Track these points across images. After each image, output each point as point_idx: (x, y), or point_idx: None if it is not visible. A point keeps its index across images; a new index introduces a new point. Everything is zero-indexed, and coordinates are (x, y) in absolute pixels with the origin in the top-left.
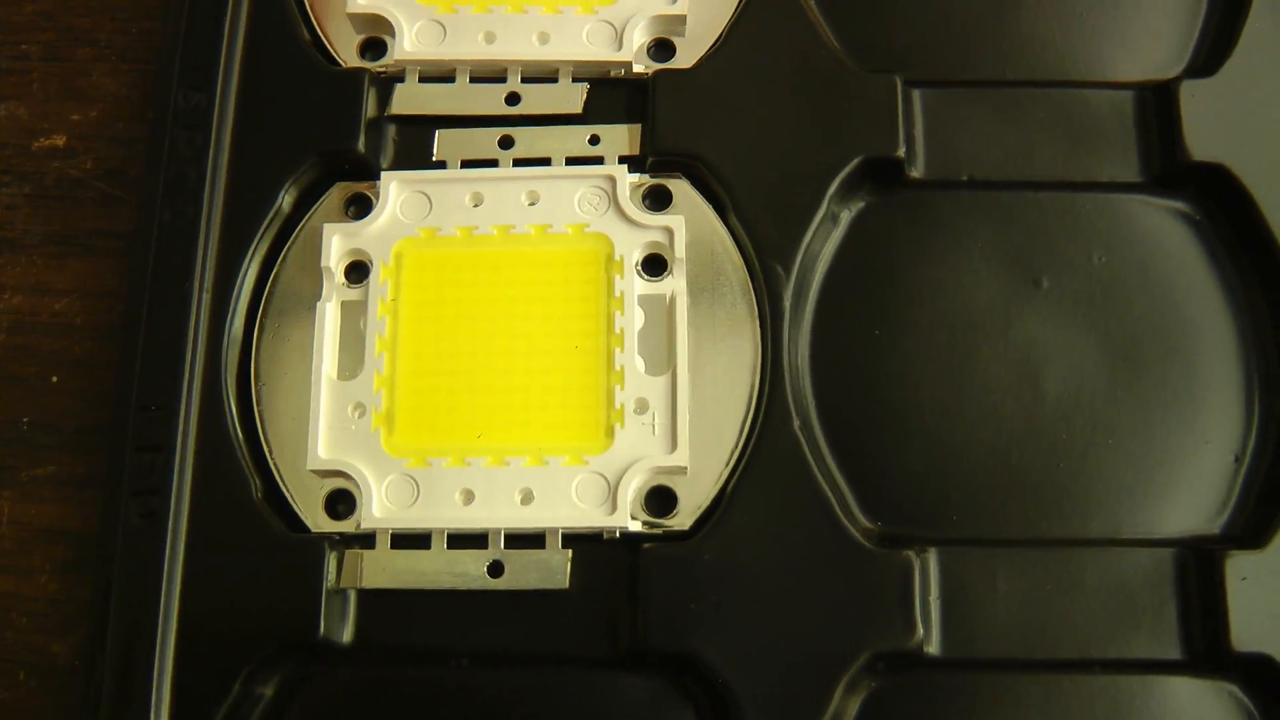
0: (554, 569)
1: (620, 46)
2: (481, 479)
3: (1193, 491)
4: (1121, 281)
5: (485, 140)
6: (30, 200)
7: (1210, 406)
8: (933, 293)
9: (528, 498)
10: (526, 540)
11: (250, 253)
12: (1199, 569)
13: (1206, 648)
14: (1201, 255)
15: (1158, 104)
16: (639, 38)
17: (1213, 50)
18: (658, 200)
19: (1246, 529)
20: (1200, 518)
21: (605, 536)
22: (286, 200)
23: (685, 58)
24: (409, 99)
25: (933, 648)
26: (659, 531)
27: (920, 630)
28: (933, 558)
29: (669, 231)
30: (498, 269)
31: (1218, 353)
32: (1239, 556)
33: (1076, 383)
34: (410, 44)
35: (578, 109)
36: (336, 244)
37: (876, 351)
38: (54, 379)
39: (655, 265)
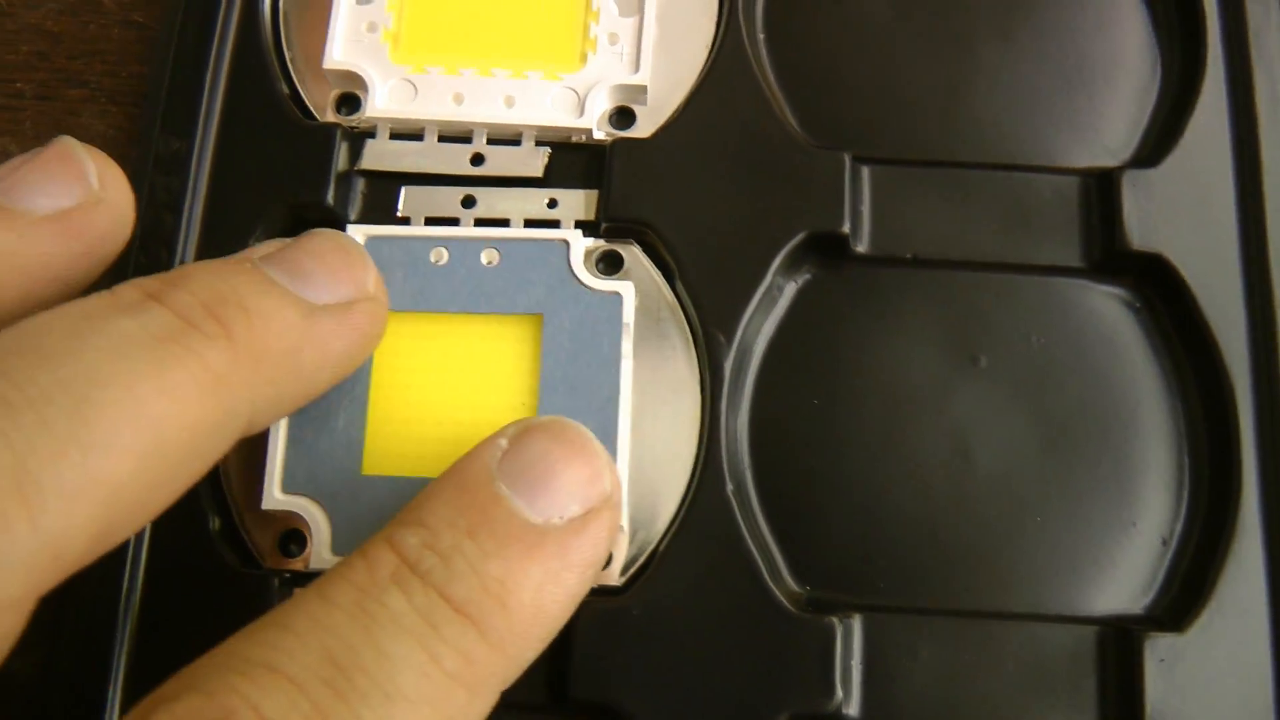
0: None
1: (582, 113)
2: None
3: (1118, 571)
4: (1058, 363)
5: (449, 199)
6: None
7: (1140, 489)
8: (872, 366)
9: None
10: None
11: None
12: (1118, 648)
13: None
14: (1139, 341)
15: (1100, 191)
16: (601, 105)
17: (1159, 142)
18: (610, 265)
19: (1169, 611)
20: (1124, 598)
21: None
22: None
23: (645, 126)
24: (379, 155)
25: (852, 710)
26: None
27: (839, 693)
28: (857, 623)
29: (619, 296)
30: None
31: (1150, 437)
32: (1159, 638)
33: (1008, 460)
34: (383, 101)
35: (538, 173)
36: None
37: (814, 421)
38: None
39: None
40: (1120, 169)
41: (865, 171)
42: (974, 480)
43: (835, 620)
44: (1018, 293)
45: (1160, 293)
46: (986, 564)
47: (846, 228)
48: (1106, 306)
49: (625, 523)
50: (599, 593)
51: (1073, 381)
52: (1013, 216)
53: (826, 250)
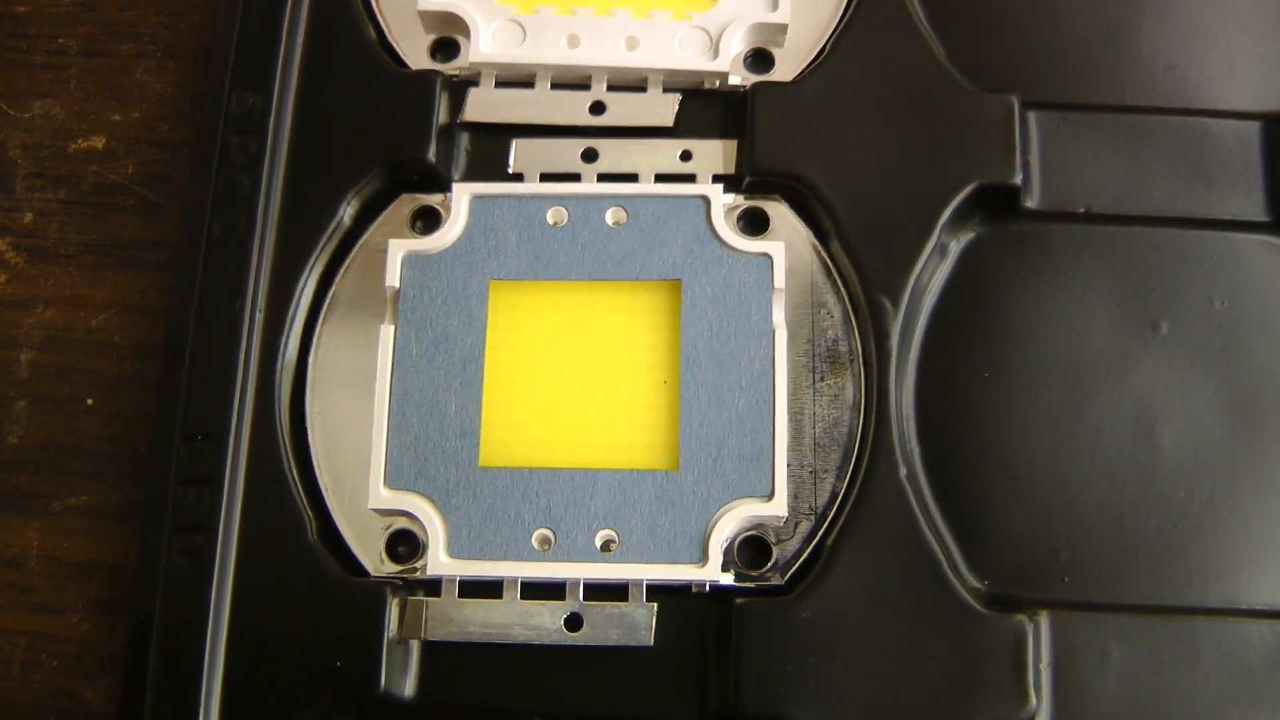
0: (638, 624)
1: (716, 56)
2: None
3: None
4: (1244, 329)
5: (567, 152)
6: (66, 206)
7: None
8: (1045, 333)
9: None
10: (608, 592)
11: (308, 269)
12: None
13: None
14: None
15: None
16: (735, 47)
17: None
18: (754, 224)
19: None
20: None
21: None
22: (348, 212)
23: (784, 70)
24: (484, 105)
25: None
26: (752, 585)
27: (1034, 700)
28: (1044, 622)
29: (767, 258)
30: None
31: None
32: None
33: (1195, 438)
34: (487, 45)
35: (668, 121)
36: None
37: (985, 396)
38: (89, 401)
39: None
40: None
41: (1033, 117)
42: (1160, 461)
43: (1025, 619)
44: (1198, 251)
45: None
46: (1177, 554)
47: (1019, 179)
48: None
49: (785, 514)
50: (760, 593)
51: (1260, 349)
52: (1191, 166)
53: (995, 205)
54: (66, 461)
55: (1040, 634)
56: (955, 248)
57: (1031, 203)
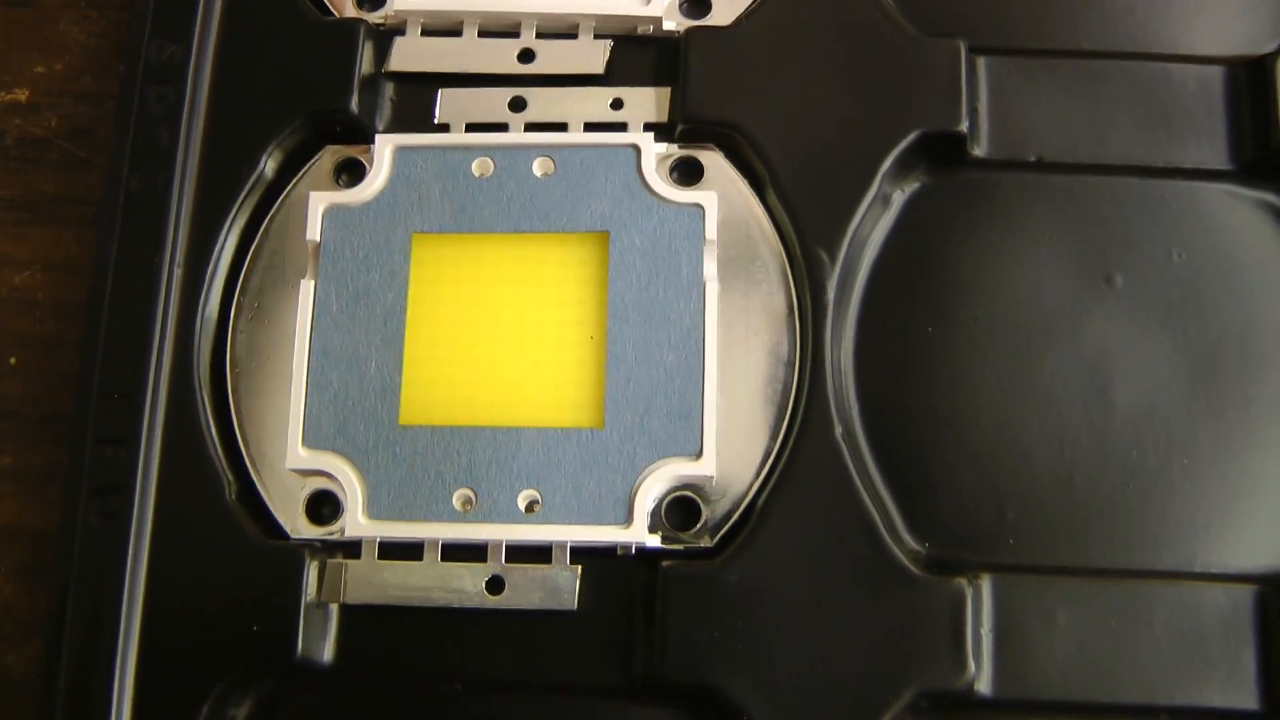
0: (561, 588)
1: (649, 0)
2: None
3: (1276, 522)
4: (1203, 282)
5: (494, 102)
6: None
7: None
8: (993, 287)
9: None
10: (531, 554)
11: (228, 224)
12: None
13: None
14: None
15: (1251, 82)
16: None
17: None
18: (687, 174)
19: None
20: None
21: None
22: (270, 165)
23: (721, 14)
24: (409, 54)
25: (983, 686)
26: (679, 547)
27: (972, 667)
28: (985, 585)
29: (699, 209)
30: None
31: None
32: None
33: (1150, 396)
34: None
35: (599, 69)
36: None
37: (928, 352)
38: (12, 360)
39: None
40: (1274, 55)
41: (982, 63)
42: (1113, 419)
43: (964, 582)
44: (1156, 200)
45: None
46: (1129, 516)
47: (964, 126)
48: (1258, 215)
49: (713, 473)
50: (688, 555)
51: (1220, 303)
52: (1150, 113)
53: (940, 153)
54: None
55: (981, 598)
56: (899, 198)
57: (980, 151)
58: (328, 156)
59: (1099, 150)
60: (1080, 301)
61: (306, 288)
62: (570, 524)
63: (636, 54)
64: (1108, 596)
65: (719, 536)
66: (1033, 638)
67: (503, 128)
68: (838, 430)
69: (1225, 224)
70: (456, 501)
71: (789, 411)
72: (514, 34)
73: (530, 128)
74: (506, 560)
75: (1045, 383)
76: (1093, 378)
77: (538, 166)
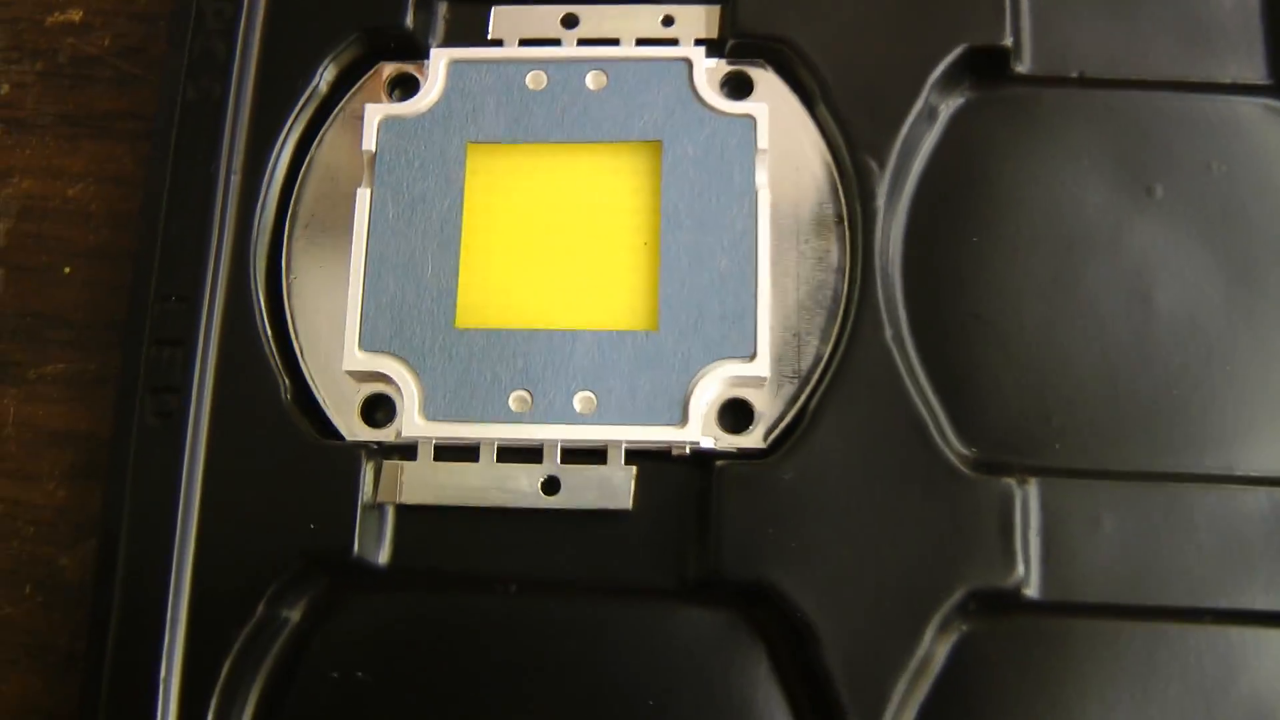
0: (616, 487)
1: None
2: None
3: None
4: (1242, 193)
5: (547, 18)
6: (43, 78)
7: None
8: (1036, 198)
9: None
10: (586, 456)
11: (283, 135)
12: None
13: None
14: None
15: None
16: None
17: None
18: (738, 88)
19: None
20: None
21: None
22: (324, 79)
23: None
24: None
25: (1031, 589)
26: (733, 449)
27: (1021, 566)
28: (1033, 489)
29: (750, 119)
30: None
31: None
32: None
33: (1191, 303)
34: None
35: None
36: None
37: (974, 261)
38: (66, 269)
39: None
40: None
41: None
42: (1155, 326)
43: (1013, 483)
44: (1195, 115)
45: None
46: (1172, 420)
47: (1009, 41)
48: None
49: (768, 374)
50: (742, 456)
51: (1258, 214)
52: (1188, 28)
53: (985, 68)
54: (44, 330)
55: (1029, 500)
56: (944, 112)
57: (1023, 67)
58: (382, 72)
59: (1138, 66)
60: (1121, 212)
61: (362, 196)
62: (625, 424)
63: None
64: (1151, 500)
65: (771, 438)
66: (1078, 541)
67: (555, 43)
68: (888, 334)
69: (1263, 137)
70: (512, 403)
71: (839, 317)
72: None
73: (582, 44)
74: (562, 461)
75: (1088, 291)
76: (1134, 286)
77: (591, 79)
